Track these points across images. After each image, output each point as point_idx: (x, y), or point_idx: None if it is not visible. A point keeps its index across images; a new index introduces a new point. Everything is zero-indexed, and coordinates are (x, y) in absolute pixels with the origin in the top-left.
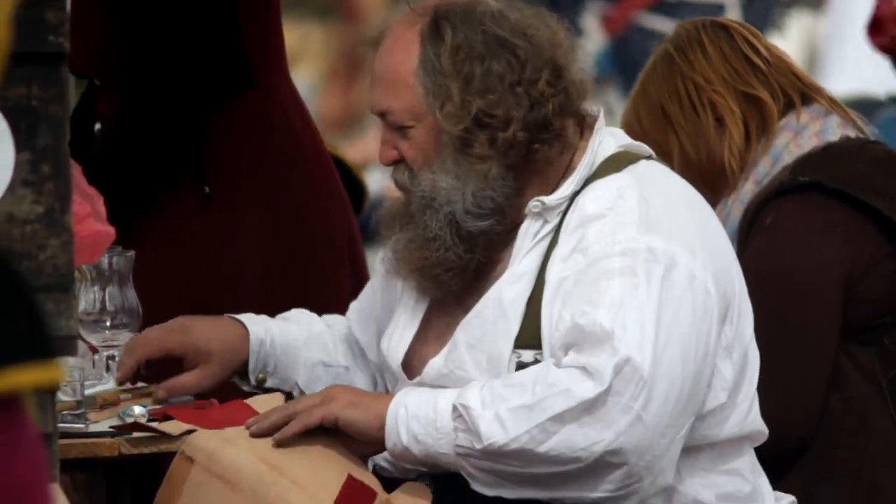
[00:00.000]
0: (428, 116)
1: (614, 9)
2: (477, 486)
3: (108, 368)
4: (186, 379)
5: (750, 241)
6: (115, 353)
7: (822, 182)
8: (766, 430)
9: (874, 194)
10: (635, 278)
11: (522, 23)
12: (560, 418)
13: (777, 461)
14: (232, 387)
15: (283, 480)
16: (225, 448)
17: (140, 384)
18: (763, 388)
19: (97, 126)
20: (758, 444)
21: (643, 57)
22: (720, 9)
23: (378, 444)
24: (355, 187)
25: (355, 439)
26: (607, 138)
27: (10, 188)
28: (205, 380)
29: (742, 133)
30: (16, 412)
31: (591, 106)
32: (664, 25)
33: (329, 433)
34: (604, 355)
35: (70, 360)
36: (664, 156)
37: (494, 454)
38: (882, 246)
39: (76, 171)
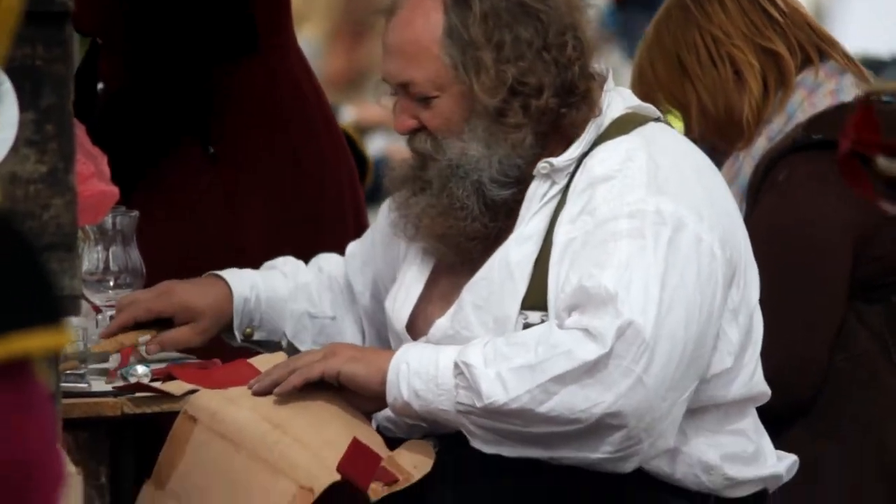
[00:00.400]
0: (454, 86)
1: None
2: (476, 444)
3: None
4: (177, 334)
5: (761, 197)
6: None
7: (835, 140)
8: (768, 391)
9: None
10: (643, 240)
11: None
12: (561, 379)
13: (779, 418)
14: (233, 347)
15: (286, 439)
16: (228, 407)
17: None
18: (770, 344)
19: (100, 85)
20: (760, 404)
21: (647, 15)
22: None
23: (380, 400)
24: (358, 160)
25: (357, 395)
26: (615, 99)
27: (14, 148)
28: (195, 336)
29: (760, 87)
30: (25, 377)
31: (599, 66)
32: None
33: (331, 390)
34: (607, 318)
35: (73, 321)
36: (680, 106)
37: (495, 413)
38: None
39: (80, 131)
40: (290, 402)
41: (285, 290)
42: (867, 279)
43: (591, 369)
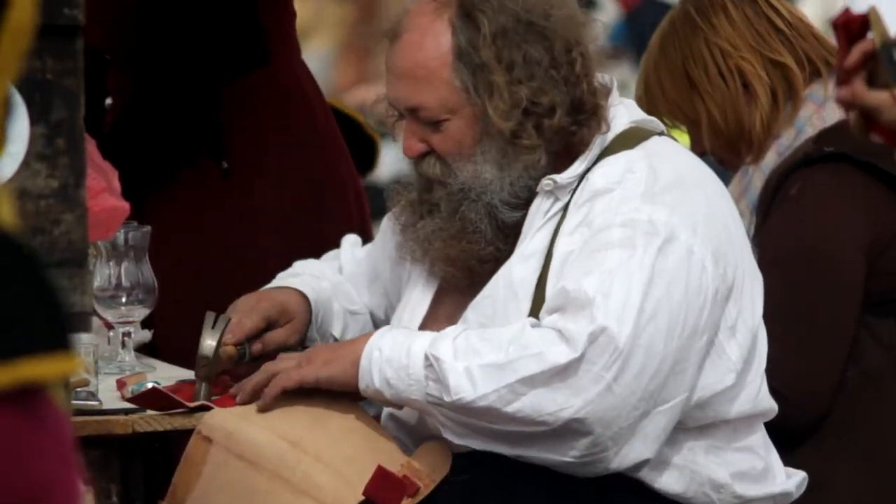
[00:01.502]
0: (465, 108)
1: None
2: (447, 435)
3: (123, 345)
4: (278, 334)
5: (773, 210)
6: (131, 330)
7: (848, 153)
8: (775, 407)
9: None
10: (633, 249)
11: (543, 2)
12: (530, 381)
13: (791, 435)
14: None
15: (307, 458)
16: (242, 426)
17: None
18: (783, 357)
19: (108, 101)
20: (768, 420)
21: (655, 29)
22: None
23: None
24: (367, 144)
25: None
26: (620, 112)
27: (25, 162)
28: (291, 336)
29: (769, 100)
30: (37, 403)
31: (604, 78)
32: None
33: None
34: (582, 322)
35: (84, 337)
36: (689, 121)
37: (462, 409)
38: None
39: (90, 146)
40: (301, 414)
41: (329, 290)
42: (879, 294)
43: (561, 373)
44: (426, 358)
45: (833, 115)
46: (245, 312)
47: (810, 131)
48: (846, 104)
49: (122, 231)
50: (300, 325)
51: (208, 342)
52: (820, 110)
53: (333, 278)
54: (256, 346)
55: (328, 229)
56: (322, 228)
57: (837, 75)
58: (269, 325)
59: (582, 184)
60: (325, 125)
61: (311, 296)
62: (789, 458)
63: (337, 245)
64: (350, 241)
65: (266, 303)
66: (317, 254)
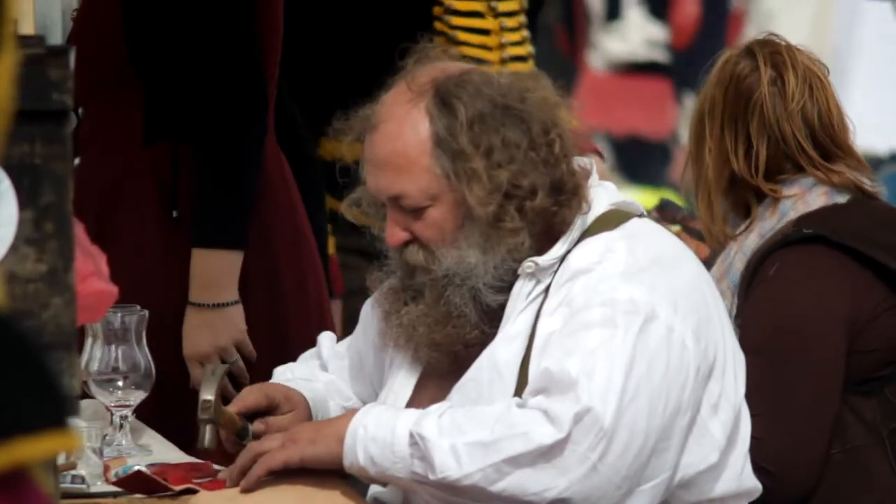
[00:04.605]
0: (446, 194)
1: None
2: None
3: (120, 427)
4: (281, 420)
5: (752, 291)
6: (128, 413)
7: (826, 235)
8: (760, 487)
9: (877, 247)
10: (614, 329)
11: (518, 86)
12: (515, 461)
13: None
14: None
15: None
16: None
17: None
18: (766, 440)
19: (76, 161)
20: (753, 499)
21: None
22: None
23: None
24: None
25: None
26: (600, 194)
27: (13, 246)
28: (294, 424)
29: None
30: (23, 487)
31: (583, 160)
32: None
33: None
34: (567, 403)
35: (78, 422)
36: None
37: (448, 487)
38: (885, 298)
39: (79, 229)
40: (287, 495)
41: (323, 390)
42: (860, 372)
43: (546, 453)
44: (411, 436)
45: (817, 200)
46: (248, 390)
47: (793, 215)
48: None
49: (119, 314)
50: (302, 416)
51: (209, 385)
52: (805, 195)
53: (323, 378)
54: (259, 427)
55: (275, 280)
56: (269, 281)
57: None
58: (271, 408)
59: (562, 265)
60: (277, 178)
61: (308, 396)
62: None
63: (284, 297)
64: (327, 336)
65: (271, 388)
66: (262, 308)
